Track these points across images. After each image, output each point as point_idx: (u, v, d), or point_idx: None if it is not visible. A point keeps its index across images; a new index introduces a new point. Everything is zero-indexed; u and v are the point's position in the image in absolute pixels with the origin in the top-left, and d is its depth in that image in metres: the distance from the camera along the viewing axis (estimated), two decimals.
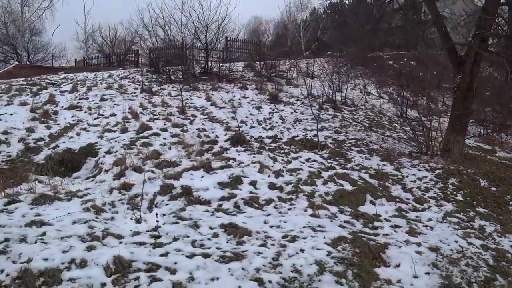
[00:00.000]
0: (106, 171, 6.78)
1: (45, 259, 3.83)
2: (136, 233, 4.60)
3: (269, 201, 6.05)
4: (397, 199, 7.10)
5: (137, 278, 3.72)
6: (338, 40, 22.14)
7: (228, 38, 19.63)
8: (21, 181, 6.48)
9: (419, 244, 5.33)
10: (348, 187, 7.07)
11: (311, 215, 5.74)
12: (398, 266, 4.82)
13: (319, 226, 5.44)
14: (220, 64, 16.61)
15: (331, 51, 23.01)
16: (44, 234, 4.38)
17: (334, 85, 14.29)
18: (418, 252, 5.09)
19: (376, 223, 6.02)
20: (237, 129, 9.48)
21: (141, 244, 4.34)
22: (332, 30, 25.44)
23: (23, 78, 13.98)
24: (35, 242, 4.19)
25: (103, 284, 3.59)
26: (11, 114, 9.66)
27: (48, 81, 13.38)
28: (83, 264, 3.82)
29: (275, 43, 29.28)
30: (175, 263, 4.00)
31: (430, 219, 6.54)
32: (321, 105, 12.75)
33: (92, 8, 36.21)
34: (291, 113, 11.55)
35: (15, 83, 12.77)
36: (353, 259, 4.66)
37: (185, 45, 16.11)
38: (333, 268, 4.40)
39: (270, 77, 16.09)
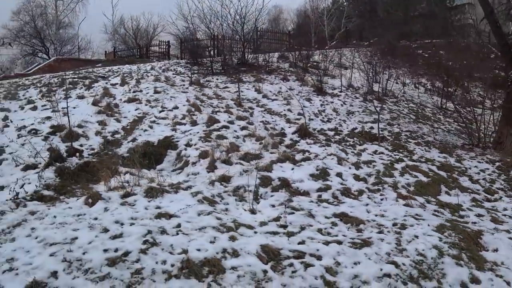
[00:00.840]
0: (194, 163, 7.04)
1: (198, 250, 4.12)
2: (264, 223, 4.89)
3: (360, 192, 6.33)
4: (469, 190, 7.35)
5: (291, 265, 4.02)
6: (366, 29, 22.16)
7: (258, 29, 19.76)
8: (112, 174, 6.77)
9: (508, 231, 5.61)
10: (422, 178, 7.33)
11: (404, 205, 6.02)
12: (496, 250, 5.09)
13: (417, 215, 5.72)
14: (255, 55, 16.77)
15: (357, 40, 23.06)
16: (179, 225, 4.66)
17: (372, 76, 14.46)
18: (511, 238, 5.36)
19: (461, 212, 6.30)
20: (296, 121, 9.74)
21: (274, 233, 4.63)
22: (356, 18, 25.42)
23: (71, 71, 14.22)
24: (177, 234, 4.48)
25: (265, 271, 3.88)
26: (74, 107, 9.92)
27: (96, 74, 13.61)
28: (235, 253, 4.11)
29: (297, 32, 29.27)
30: (317, 250, 4.30)
31: (505, 209, 6.79)
32: (365, 97, 12.95)
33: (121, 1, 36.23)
34: (341, 105, 11.77)
35: (66, 76, 13.01)
36: (461, 244, 4.95)
37: (224, 37, 16.27)
38: (449, 251, 4.69)
39: (306, 68, 16.27)
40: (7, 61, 24.90)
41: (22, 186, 5.98)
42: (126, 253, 3.98)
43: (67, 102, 8.24)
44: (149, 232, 4.43)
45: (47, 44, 24.43)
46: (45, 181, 6.21)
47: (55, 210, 5.22)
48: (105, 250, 4.04)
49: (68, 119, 7.85)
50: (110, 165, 7.12)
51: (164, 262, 3.89)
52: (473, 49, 17.68)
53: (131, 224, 4.61)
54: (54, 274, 3.72)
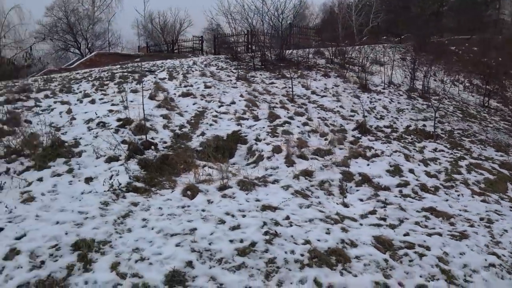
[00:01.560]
0: (269, 158, 7.27)
1: (318, 240, 4.38)
2: (364, 216, 5.14)
3: (436, 188, 6.55)
4: None
5: (406, 254, 4.28)
6: (395, 24, 22.16)
7: (294, 25, 19.92)
8: (190, 167, 7.04)
9: None
10: (488, 175, 7.53)
11: (482, 201, 6.25)
12: None
13: (497, 210, 5.95)
14: (291, 51, 16.94)
15: (387, 35, 23.07)
16: (288, 217, 4.92)
17: (411, 73, 14.59)
18: None
19: None
20: (350, 118, 9.96)
21: (378, 225, 4.89)
22: (384, 13, 25.38)
23: (118, 66, 14.51)
24: (291, 225, 4.73)
25: (385, 260, 4.13)
26: (131, 101, 10.20)
27: (142, 68, 13.90)
28: (353, 243, 4.37)
29: (322, 28, 29.29)
30: (424, 241, 4.56)
31: None
32: (409, 94, 13.10)
33: None
34: (389, 102, 11.94)
35: (115, 70, 13.32)
36: None
37: (263, 33, 16.48)
38: None
39: (343, 64, 16.43)
40: (42, 56, 25.51)
41: (111, 178, 6.28)
42: (253, 244, 4.24)
43: (124, 97, 8.48)
44: (265, 223, 4.68)
45: (79, 39, 24.90)
46: (132, 173, 6.48)
47: (155, 201, 5.47)
48: (231, 241, 4.29)
49: (144, 113, 8.04)
50: (186, 158, 7.40)
51: (292, 251, 4.15)
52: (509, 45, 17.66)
53: (243, 216, 4.87)
54: (190, 263, 3.93)
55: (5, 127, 8.00)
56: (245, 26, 16.70)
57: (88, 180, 6.15)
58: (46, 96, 10.61)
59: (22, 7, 19.57)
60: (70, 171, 6.30)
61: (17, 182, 5.78)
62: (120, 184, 5.99)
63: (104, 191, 5.74)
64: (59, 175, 6.14)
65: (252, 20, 16.20)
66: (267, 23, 16.64)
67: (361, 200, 5.81)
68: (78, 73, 13.83)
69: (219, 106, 9.92)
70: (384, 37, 22.78)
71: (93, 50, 24.26)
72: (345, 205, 5.57)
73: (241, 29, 16.99)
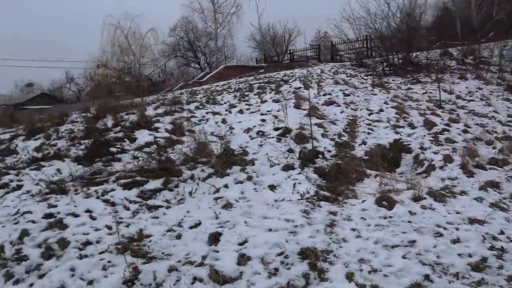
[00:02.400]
0: (442, 167, 7.19)
1: None
2: None
3: None
4: None
5: None
6: None
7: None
8: (360, 176, 7.20)
9: None
10: None
11: None
12: None
13: None
14: (416, 54, 16.47)
15: None
16: (502, 232, 4.85)
17: None
18: None
19: None
20: (509, 123, 9.46)
21: None
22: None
23: (252, 77, 15.26)
24: (510, 241, 4.68)
25: None
26: (277, 111, 10.66)
27: (274, 79, 14.49)
28: None
29: (434, 25, 27.90)
30: None
31: None
32: None
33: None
34: None
35: (251, 82, 14.04)
36: None
37: (389, 37, 16.25)
38: None
39: (477, 64, 15.60)
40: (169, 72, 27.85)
41: (294, 186, 6.63)
42: (484, 259, 4.25)
43: (283, 107, 8.85)
44: (484, 237, 4.66)
45: (198, 55, 26.88)
46: (314, 182, 6.79)
47: (352, 211, 5.62)
48: (459, 255, 4.34)
49: (310, 121, 8.35)
50: (355, 167, 7.59)
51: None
52: None
53: (456, 228, 4.92)
54: (427, 277, 3.99)
55: (173, 136, 8.86)
56: (370, 31, 16.57)
57: (272, 187, 6.49)
58: (197, 108, 11.51)
59: (156, 29, 21.44)
60: (249, 178, 6.70)
61: (205, 188, 6.26)
62: (308, 192, 6.31)
63: (298, 199, 6.07)
64: (241, 182, 6.57)
65: (376, 24, 16.03)
66: (392, 27, 16.36)
67: None
68: (217, 85, 14.81)
69: (369, 114, 10.00)
70: None
71: (211, 64, 25.82)
72: None
73: (366, 34, 16.89)
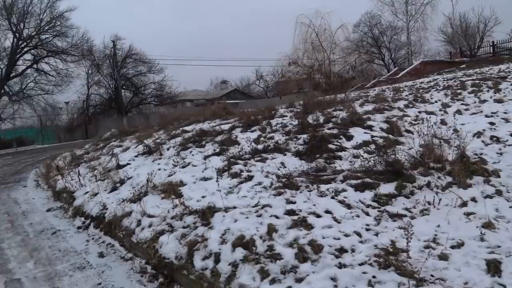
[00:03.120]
0: None
1: None
2: None
3: None
4: None
5: None
6: None
7: None
8: None
9: None
10: None
11: None
12: None
13: None
14: None
15: None
16: None
17: None
18: None
19: None
20: None
21: None
22: None
23: (461, 73, 13.60)
24: None
25: None
26: (504, 112, 8.98)
27: (488, 75, 12.57)
28: None
29: None
30: None
31: None
32: None
33: None
34: None
35: (462, 78, 12.45)
36: None
37: None
38: None
39: None
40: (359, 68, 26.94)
41: None
42: None
43: None
44: None
45: (382, 51, 25.45)
46: None
47: None
48: None
49: None
50: None
51: None
52: None
53: None
54: None
55: (390, 136, 7.99)
56: None
57: None
58: (406, 106, 10.49)
59: (347, 25, 20.78)
60: (498, 193, 5.54)
61: (447, 199, 5.33)
62: None
63: None
64: (490, 196, 5.42)
65: None
66: None
67: None
68: (422, 82, 13.54)
69: None
70: None
71: (395, 60, 24.23)
72: None
73: None
